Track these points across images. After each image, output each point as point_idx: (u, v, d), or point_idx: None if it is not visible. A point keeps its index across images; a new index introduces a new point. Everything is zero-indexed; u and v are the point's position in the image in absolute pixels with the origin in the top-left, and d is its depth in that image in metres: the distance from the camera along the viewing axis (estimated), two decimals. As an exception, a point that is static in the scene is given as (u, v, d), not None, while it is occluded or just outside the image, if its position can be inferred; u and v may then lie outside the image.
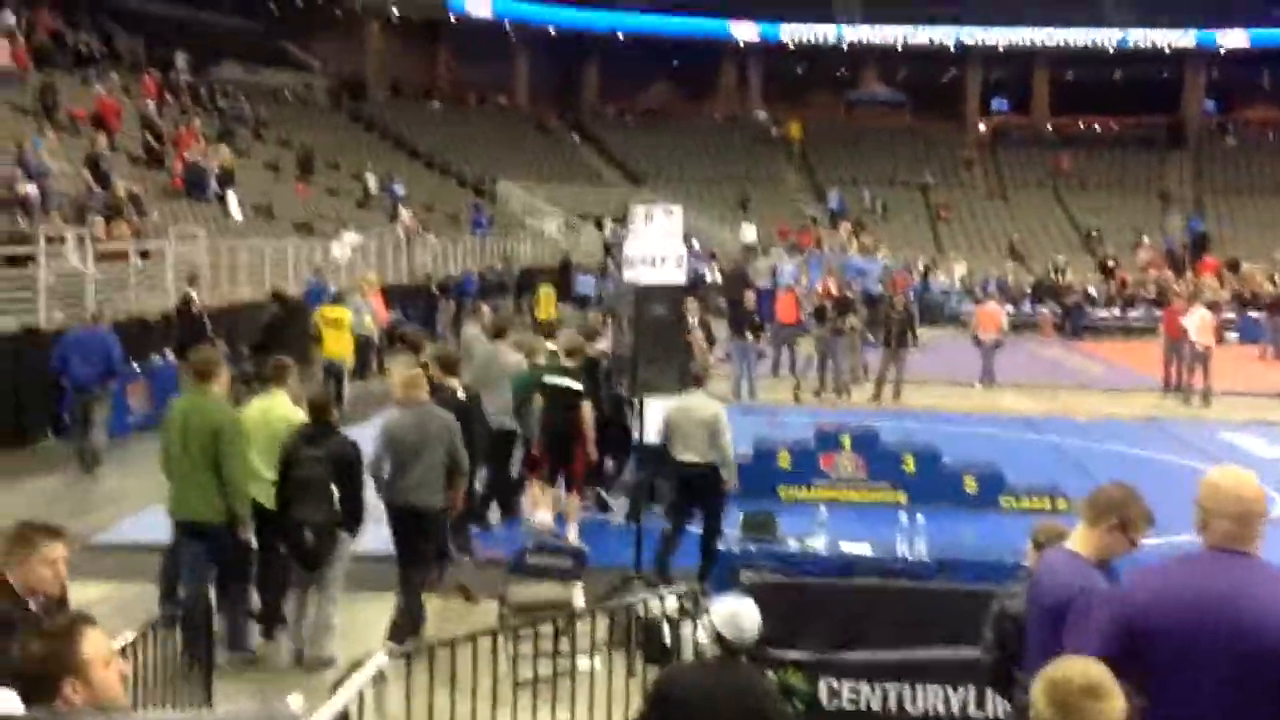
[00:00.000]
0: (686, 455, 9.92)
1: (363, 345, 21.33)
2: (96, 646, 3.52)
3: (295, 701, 5.04)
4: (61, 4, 37.01)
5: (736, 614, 5.13)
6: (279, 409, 8.66)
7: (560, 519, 10.64)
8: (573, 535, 10.46)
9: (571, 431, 10.80)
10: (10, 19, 28.20)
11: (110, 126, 24.79)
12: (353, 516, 8.19)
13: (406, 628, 8.26)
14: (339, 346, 17.93)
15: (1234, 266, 40.85)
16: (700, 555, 9.79)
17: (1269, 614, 3.67)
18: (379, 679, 5.86)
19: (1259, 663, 3.64)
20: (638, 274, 9.40)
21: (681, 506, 10.15)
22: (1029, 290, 36.12)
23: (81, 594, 9.18)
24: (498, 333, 12.52)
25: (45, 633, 3.59)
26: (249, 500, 8.03)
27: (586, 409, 10.81)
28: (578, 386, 10.81)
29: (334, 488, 8.03)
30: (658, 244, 9.52)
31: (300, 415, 8.55)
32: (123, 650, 5.54)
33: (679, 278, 9.64)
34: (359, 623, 8.65)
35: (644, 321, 9.30)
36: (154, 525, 11.39)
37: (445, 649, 6.57)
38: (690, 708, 5.04)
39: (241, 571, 8.31)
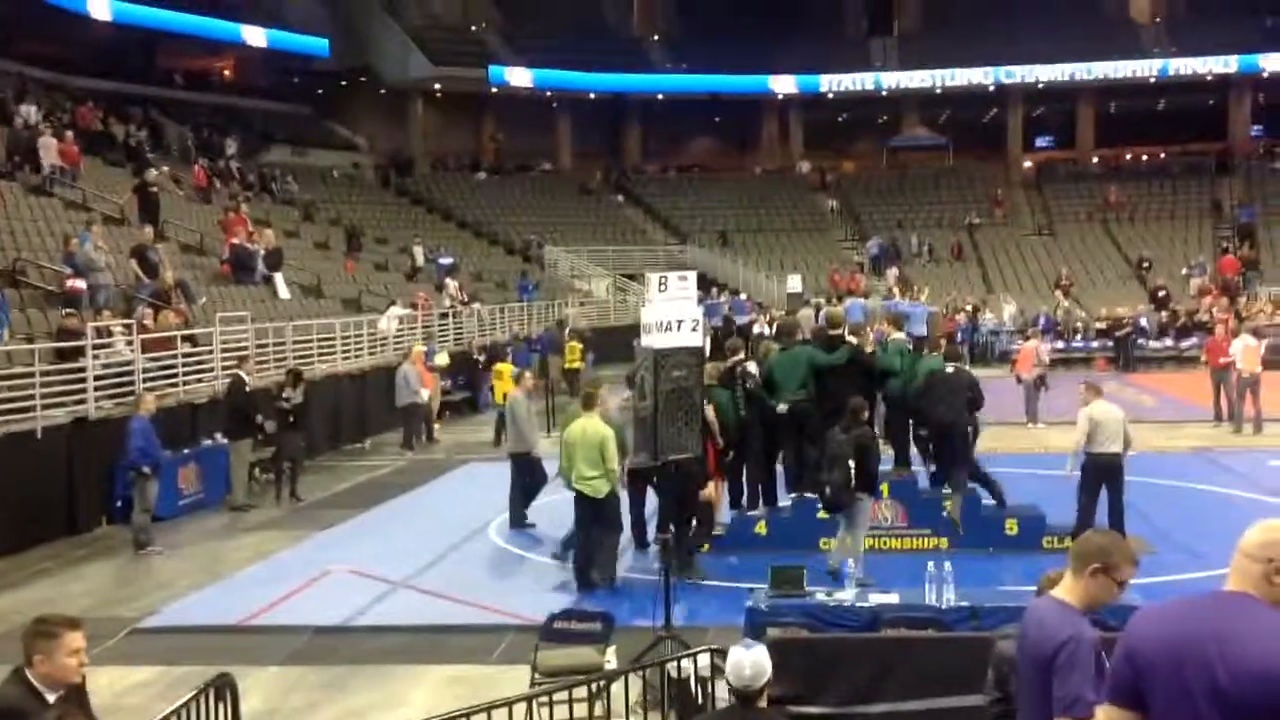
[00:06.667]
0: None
1: (411, 413, 21.70)
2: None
3: None
4: (109, 98, 38.10)
5: (737, 661, 5.23)
6: (594, 426, 11.99)
7: None
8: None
9: None
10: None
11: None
12: None
13: None
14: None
15: (1253, 264, 41.72)
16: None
17: (1248, 654, 3.64)
18: None
19: (1237, 702, 3.64)
20: (654, 339, 9.51)
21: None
22: (1080, 326, 35.79)
23: (130, 677, 9.47)
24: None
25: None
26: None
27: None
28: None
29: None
30: (673, 309, 9.64)
31: (607, 429, 11.97)
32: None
33: (695, 341, 9.75)
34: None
35: (663, 385, 9.43)
36: (200, 609, 11.69)
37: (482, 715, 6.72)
38: None
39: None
